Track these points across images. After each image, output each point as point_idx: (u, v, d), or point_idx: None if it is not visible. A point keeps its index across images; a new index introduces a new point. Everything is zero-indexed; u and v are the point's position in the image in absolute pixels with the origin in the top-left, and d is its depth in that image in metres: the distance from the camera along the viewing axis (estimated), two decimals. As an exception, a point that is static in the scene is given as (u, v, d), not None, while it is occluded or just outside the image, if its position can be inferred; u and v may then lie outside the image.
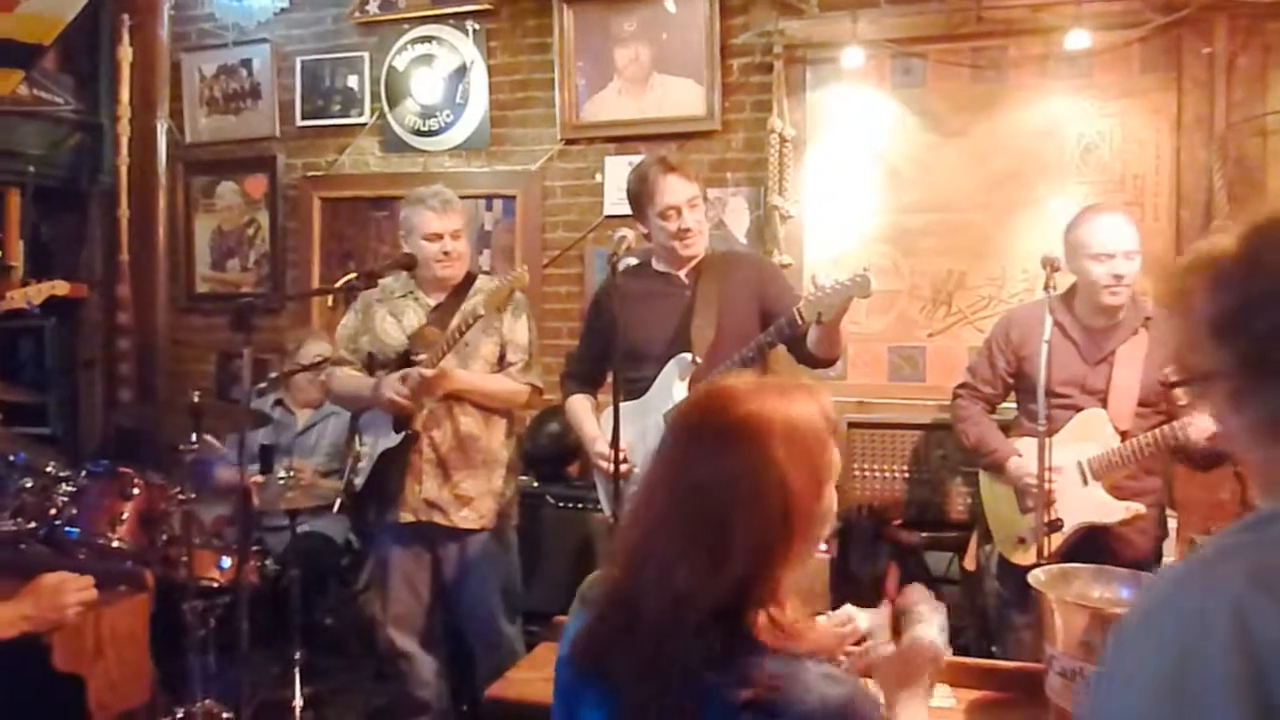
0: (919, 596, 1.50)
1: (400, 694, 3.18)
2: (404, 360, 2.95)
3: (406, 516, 3.00)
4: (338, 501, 3.22)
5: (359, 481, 3.07)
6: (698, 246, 2.75)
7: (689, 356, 2.62)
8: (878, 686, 1.40)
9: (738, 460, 1.14)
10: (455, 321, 2.89)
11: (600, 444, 2.72)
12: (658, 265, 2.82)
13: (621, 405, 2.56)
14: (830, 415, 1.23)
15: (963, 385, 2.93)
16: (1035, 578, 1.73)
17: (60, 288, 3.80)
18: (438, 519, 2.99)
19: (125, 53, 4.64)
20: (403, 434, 2.95)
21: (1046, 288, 2.51)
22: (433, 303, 3.06)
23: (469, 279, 3.08)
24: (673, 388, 2.64)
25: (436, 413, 2.97)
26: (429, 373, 2.83)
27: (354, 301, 3.21)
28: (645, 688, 1.10)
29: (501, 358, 3.05)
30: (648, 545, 1.17)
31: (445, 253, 2.99)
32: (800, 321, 2.43)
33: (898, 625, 1.49)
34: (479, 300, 2.85)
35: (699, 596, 1.10)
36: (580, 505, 3.69)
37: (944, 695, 1.81)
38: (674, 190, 2.68)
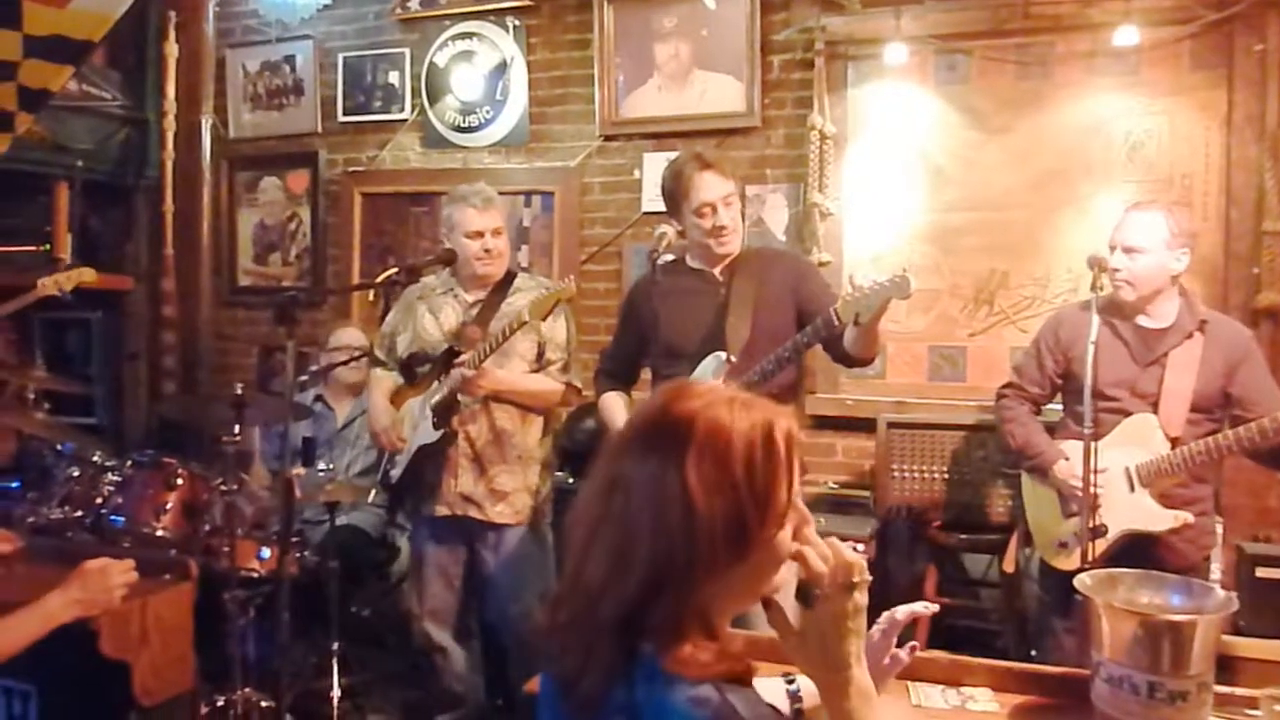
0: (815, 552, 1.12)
1: (435, 687, 3.21)
2: (446, 357, 2.97)
3: (442, 510, 3.03)
4: (372, 492, 3.26)
5: (395, 474, 3.11)
6: (733, 244, 2.74)
7: (724, 355, 2.60)
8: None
9: (651, 460, 1.06)
10: (499, 324, 2.92)
11: None
12: (692, 262, 2.80)
13: None
14: (787, 444, 1.08)
15: (1009, 385, 2.88)
16: (1082, 582, 1.69)
17: (88, 274, 3.83)
18: (473, 513, 3.02)
19: (171, 49, 4.72)
20: (441, 432, 2.97)
21: (1094, 288, 2.45)
22: (471, 299, 3.09)
23: (509, 276, 3.10)
24: None
25: (473, 409, 2.99)
26: (470, 373, 2.86)
27: (392, 297, 3.24)
28: (581, 685, 1.06)
29: (540, 355, 3.06)
30: (573, 536, 1.12)
31: (486, 250, 3.02)
32: (837, 322, 2.40)
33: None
34: (522, 304, 2.87)
35: (604, 599, 1.04)
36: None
37: (986, 699, 1.79)
38: (710, 187, 2.66)
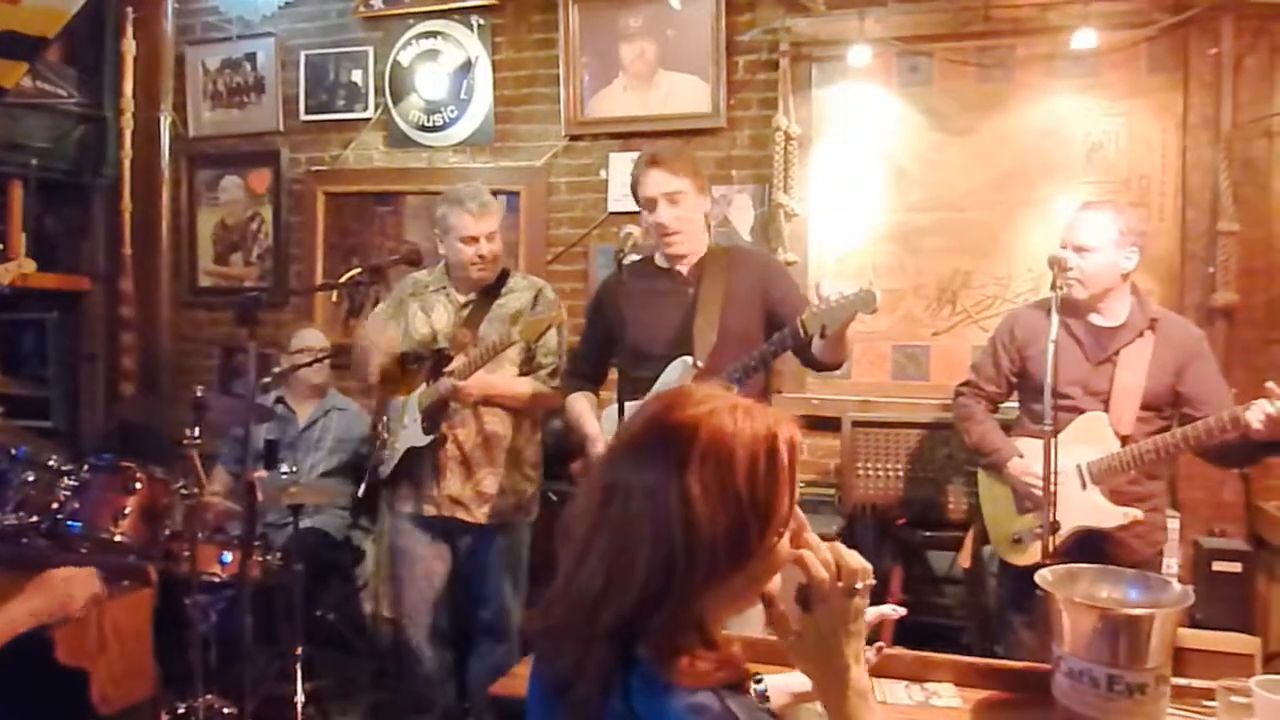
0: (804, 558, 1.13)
1: (408, 690, 3.19)
2: (436, 357, 2.96)
3: (429, 510, 3.03)
4: (362, 487, 3.24)
5: (385, 471, 3.09)
6: (680, 245, 2.67)
7: (690, 360, 2.58)
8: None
9: (651, 468, 1.05)
10: (489, 327, 2.94)
11: (600, 444, 2.68)
12: (660, 261, 2.77)
13: (626, 404, 2.55)
14: (790, 452, 1.08)
15: (966, 383, 2.92)
16: (1043, 578, 1.72)
17: (28, 265, 3.69)
18: (460, 514, 3.02)
19: (129, 46, 4.64)
20: (430, 437, 2.97)
21: (1054, 287, 2.48)
22: (463, 299, 3.08)
23: (502, 276, 3.10)
24: None
25: (463, 413, 3.00)
26: (460, 384, 2.85)
27: (358, 296, 3.21)
28: (576, 690, 1.05)
29: (530, 359, 3.06)
30: (568, 540, 1.11)
31: (481, 255, 3.01)
32: (803, 334, 2.41)
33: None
34: (515, 305, 2.87)
35: (602, 607, 1.04)
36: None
37: (950, 695, 1.81)
38: (653, 183, 2.61)
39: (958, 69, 3.73)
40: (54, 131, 4.62)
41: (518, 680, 1.93)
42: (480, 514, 3.02)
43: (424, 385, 3.02)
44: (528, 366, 3.07)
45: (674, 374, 2.59)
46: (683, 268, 2.72)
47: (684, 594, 1.03)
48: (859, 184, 3.84)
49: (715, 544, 1.03)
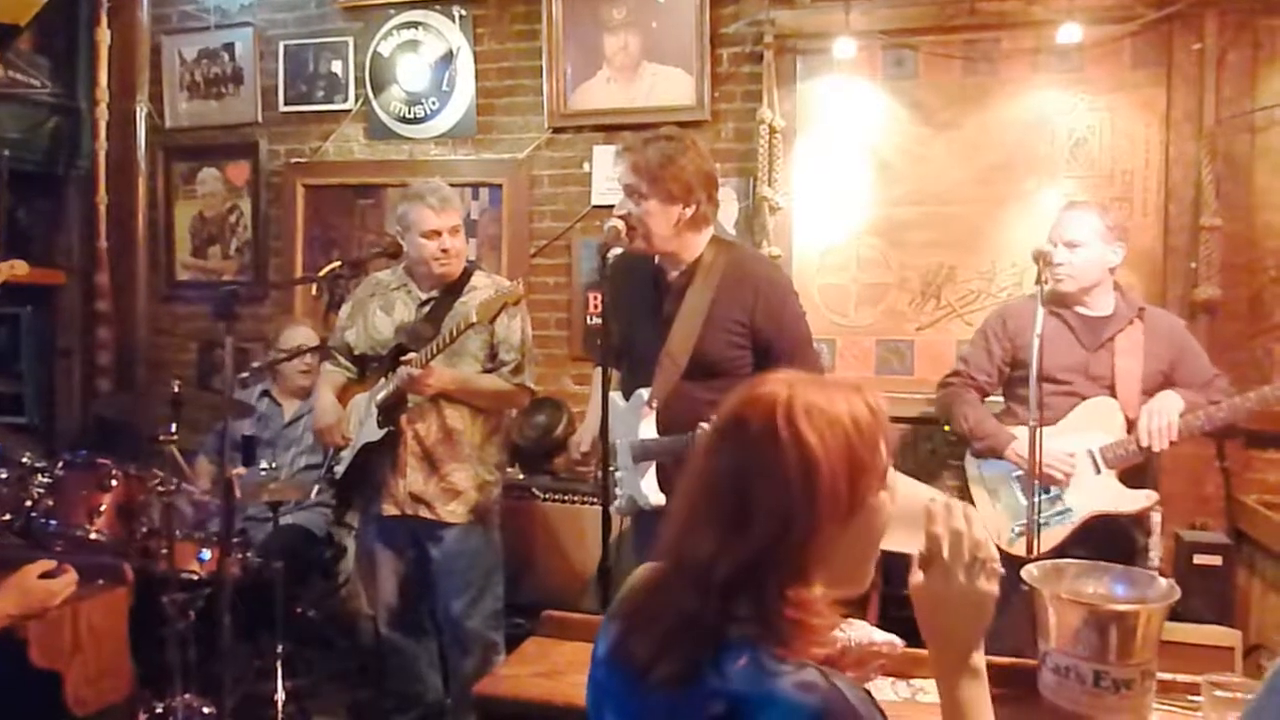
0: None
1: (390, 687, 3.16)
2: (395, 355, 2.92)
3: (391, 509, 2.99)
4: (315, 489, 3.20)
5: (340, 469, 3.05)
6: (639, 241, 2.43)
7: (645, 396, 2.44)
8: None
9: (756, 426, 1.07)
10: (450, 323, 2.87)
11: (586, 444, 2.70)
12: (658, 258, 2.53)
13: (620, 404, 2.52)
14: (877, 410, 1.11)
15: (955, 373, 2.95)
16: (1029, 573, 1.71)
17: (20, 268, 3.62)
18: (423, 513, 2.97)
19: (103, 35, 4.57)
20: (385, 430, 2.92)
21: (1039, 281, 2.50)
22: (424, 296, 3.03)
23: (465, 274, 3.05)
24: (639, 425, 2.45)
25: (422, 407, 2.94)
26: (417, 372, 2.81)
27: (337, 290, 3.17)
28: (660, 671, 1.05)
29: (493, 355, 3.01)
30: (675, 529, 1.11)
31: (444, 250, 2.96)
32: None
33: None
34: (473, 305, 2.81)
35: (718, 562, 1.03)
36: (566, 498, 3.67)
37: (936, 691, 1.80)
38: (619, 172, 2.47)
39: (943, 62, 3.72)
40: (26, 122, 4.55)
41: (501, 680, 1.91)
42: (445, 511, 2.97)
43: (382, 381, 2.98)
44: (491, 364, 3.02)
45: (636, 404, 2.48)
46: (671, 270, 2.51)
47: (799, 547, 1.03)
48: (843, 177, 3.82)
49: (835, 483, 1.04)
